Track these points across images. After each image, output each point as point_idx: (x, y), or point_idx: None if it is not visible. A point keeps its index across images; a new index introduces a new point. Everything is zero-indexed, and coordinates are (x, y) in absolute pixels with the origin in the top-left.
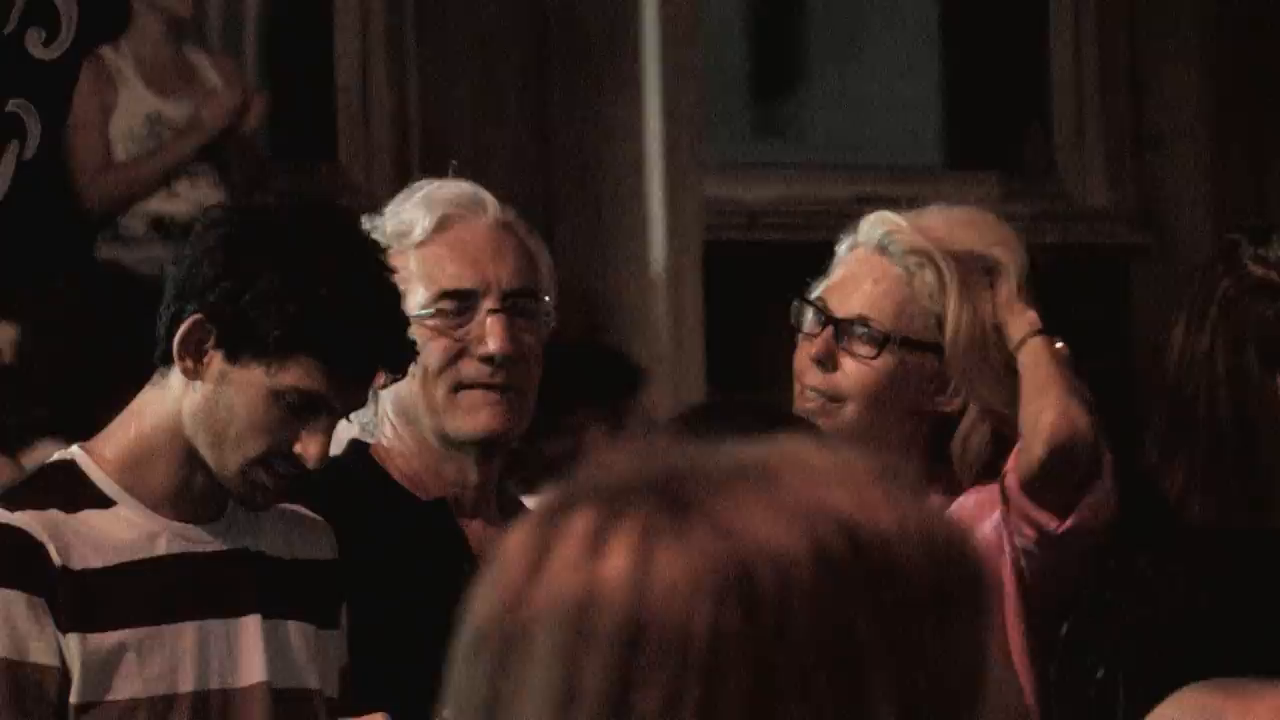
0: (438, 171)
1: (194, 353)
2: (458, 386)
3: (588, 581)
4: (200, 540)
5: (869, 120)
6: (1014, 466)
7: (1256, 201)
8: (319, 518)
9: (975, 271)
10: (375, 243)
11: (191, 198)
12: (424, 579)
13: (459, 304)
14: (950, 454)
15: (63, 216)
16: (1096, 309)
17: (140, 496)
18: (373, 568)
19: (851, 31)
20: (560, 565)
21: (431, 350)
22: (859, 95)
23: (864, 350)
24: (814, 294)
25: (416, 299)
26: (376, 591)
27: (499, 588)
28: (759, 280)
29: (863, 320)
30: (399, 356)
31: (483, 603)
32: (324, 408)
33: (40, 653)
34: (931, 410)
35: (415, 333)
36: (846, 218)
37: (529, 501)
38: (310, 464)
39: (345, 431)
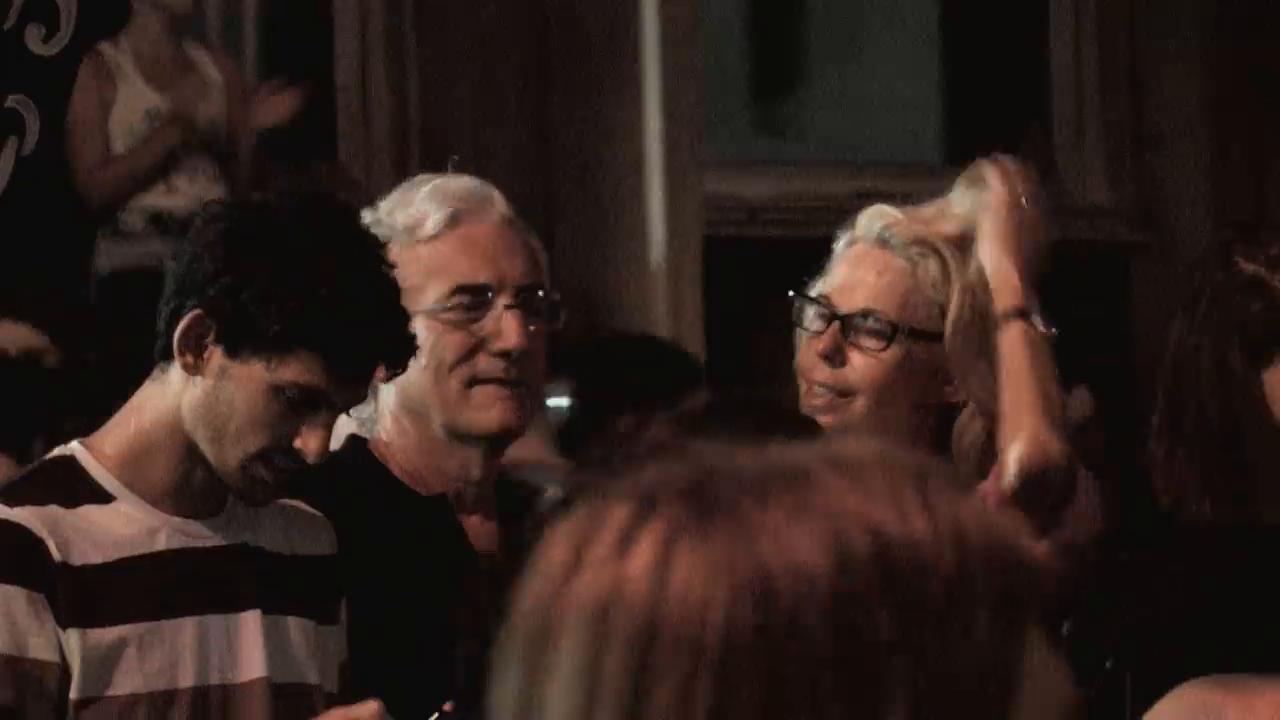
0: (437, 170)
1: (194, 348)
2: (472, 381)
3: (614, 579)
4: (200, 535)
5: (869, 120)
6: (992, 489)
7: (1256, 201)
8: (318, 513)
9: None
10: (375, 237)
11: (190, 193)
12: (424, 574)
13: (474, 299)
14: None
15: (62, 213)
16: (1096, 306)
17: (140, 492)
18: (372, 563)
19: (851, 31)
20: (592, 562)
21: (446, 345)
22: (859, 95)
23: (872, 343)
24: (815, 292)
25: (430, 293)
26: (376, 587)
27: (539, 584)
28: (758, 276)
29: (869, 313)
30: (399, 351)
31: (524, 599)
32: (324, 403)
33: (40, 648)
34: (938, 401)
35: (428, 327)
36: (846, 213)
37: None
38: (310, 459)
39: (343, 426)
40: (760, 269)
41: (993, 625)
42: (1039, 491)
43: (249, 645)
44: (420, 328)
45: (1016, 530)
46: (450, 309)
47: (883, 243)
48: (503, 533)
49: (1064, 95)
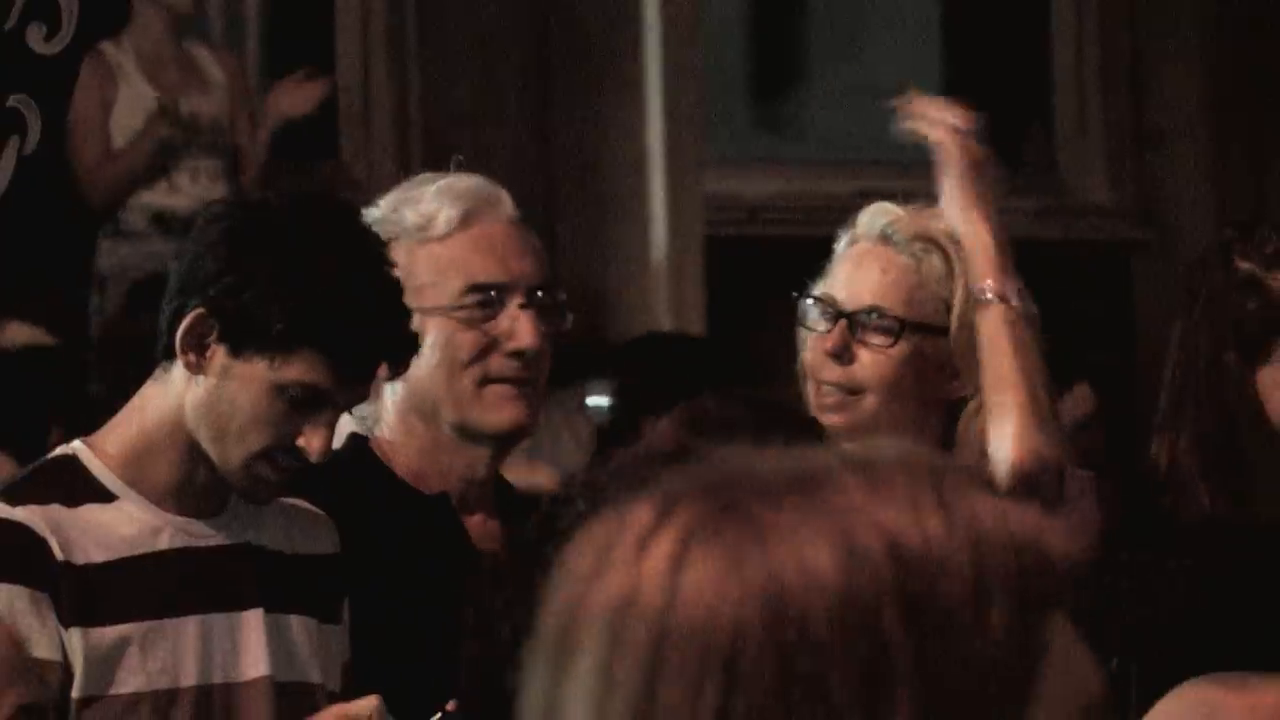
0: (439, 169)
1: (197, 347)
2: (484, 380)
3: (631, 580)
4: (202, 535)
5: (870, 118)
6: None
7: (1257, 199)
8: (321, 512)
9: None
10: (377, 236)
11: (192, 193)
12: (426, 573)
13: (487, 298)
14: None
15: (64, 212)
16: (1098, 305)
17: (142, 491)
18: (374, 562)
19: (852, 29)
20: (612, 564)
21: (460, 344)
22: (859, 93)
23: (880, 340)
24: (818, 291)
25: (442, 292)
26: (378, 586)
27: (564, 588)
28: (760, 275)
29: (876, 310)
30: (401, 350)
31: (549, 603)
32: (327, 402)
33: (42, 648)
34: (945, 396)
35: (440, 325)
36: (847, 213)
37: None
38: (313, 458)
39: (344, 425)
40: (761, 268)
41: (1009, 620)
42: (1030, 493)
43: (252, 644)
44: (431, 326)
45: (1038, 523)
46: (463, 308)
47: (885, 240)
48: (505, 532)
49: (1065, 93)
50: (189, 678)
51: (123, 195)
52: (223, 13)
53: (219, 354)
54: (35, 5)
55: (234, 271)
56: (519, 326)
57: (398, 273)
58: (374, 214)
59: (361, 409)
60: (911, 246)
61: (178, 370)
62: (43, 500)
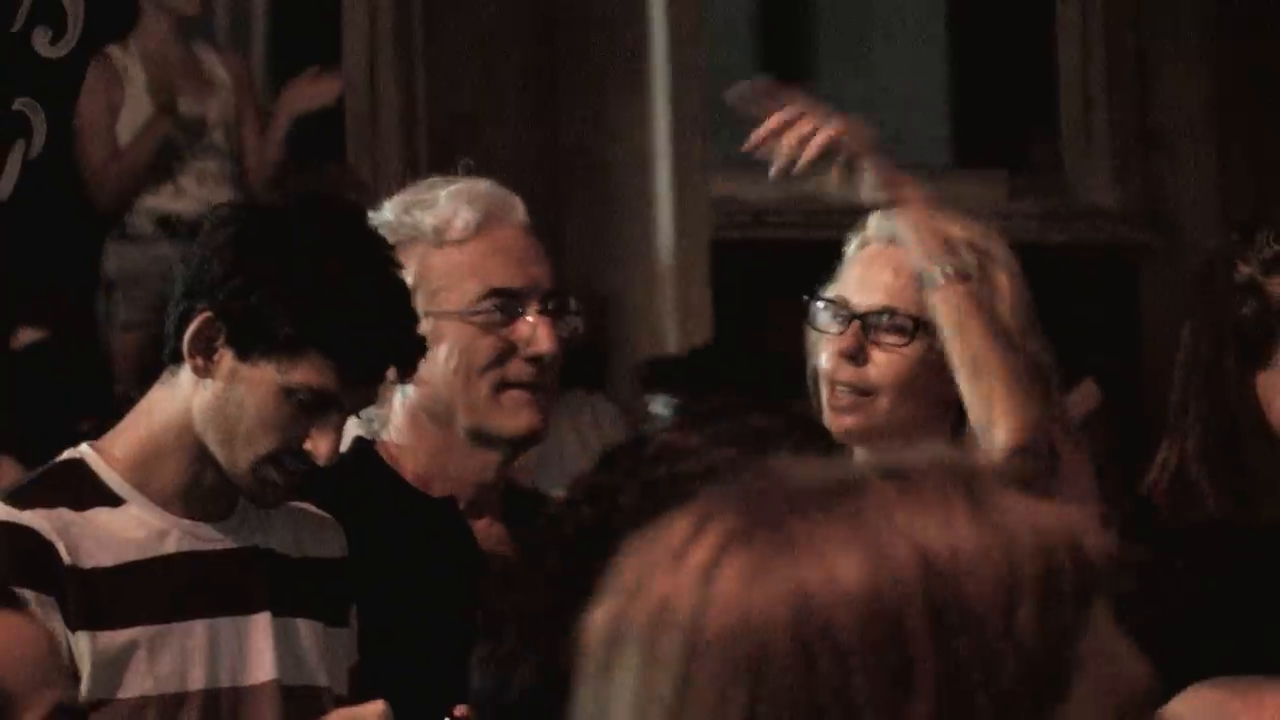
0: (445, 171)
1: (204, 350)
2: (501, 385)
3: (667, 589)
4: (210, 538)
5: (876, 121)
6: None
7: (1260, 201)
8: (328, 516)
9: (989, 253)
10: (384, 239)
11: (199, 196)
12: (434, 577)
13: (507, 303)
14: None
15: (70, 214)
16: (1103, 308)
17: (150, 494)
18: (382, 565)
19: (858, 32)
20: (653, 574)
21: (478, 348)
22: (865, 96)
23: (894, 339)
24: (829, 294)
25: (460, 295)
26: (386, 589)
27: (610, 599)
28: (765, 278)
29: (889, 310)
30: (409, 353)
31: (596, 615)
32: (335, 405)
33: None
34: (958, 396)
35: (457, 329)
36: (853, 215)
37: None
38: (321, 461)
39: (349, 429)
40: (766, 271)
41: (1039, 622)
42: (1028, 468)
43: (259, 648)
44: (447, 330)
45: (1071, 519)
46: (481, 312)
47: (896, 242)
48: (512, 535)
49: (1071, 95)
50: (196, 681)
51: (128, 194)
52: (229, 14)
53: (226, 357)
54: (41, 9)
55: (241, 275)
56: (538, 332)
57: (406, 276)
58: (383, 217)
59: (367, 412)
60: None
61: (185, 374)
62: (50, 504)
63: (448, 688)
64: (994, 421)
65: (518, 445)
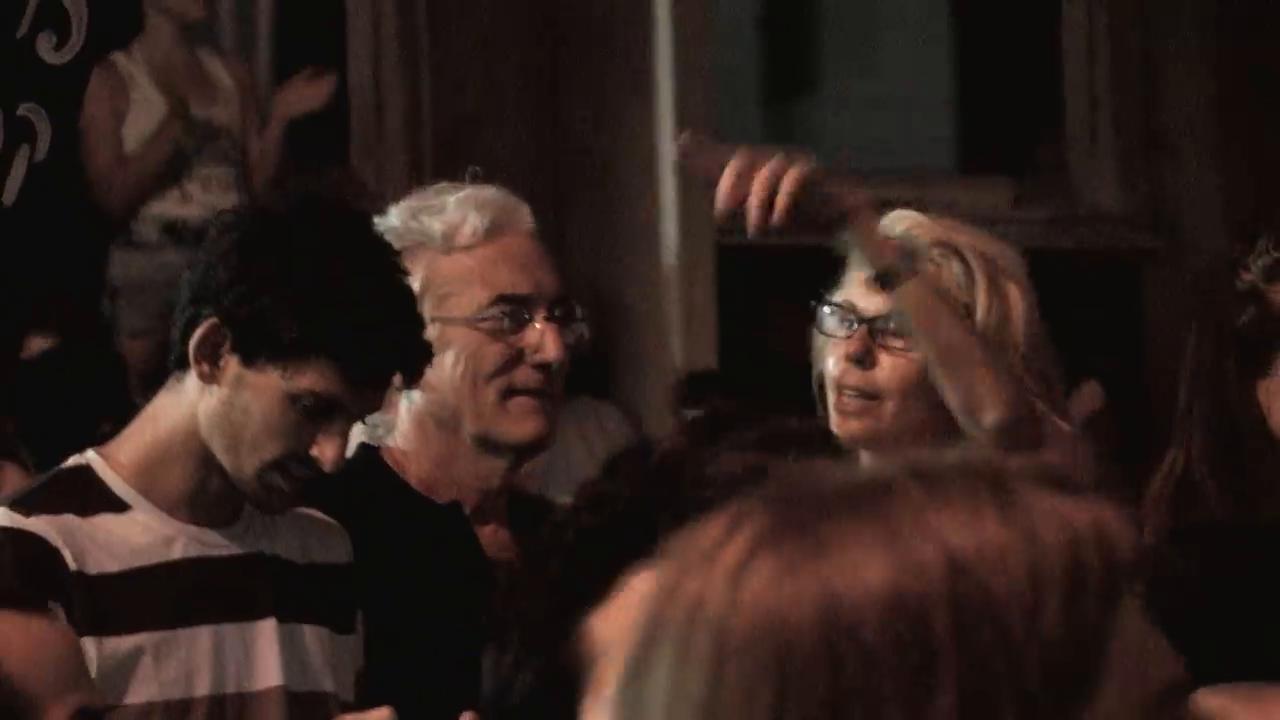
0: (450, 173)
1: (210, 357)
2: (509, 391)
3: (698, 590)
4: (216, 544)
5: (881, 124)
6: None
7: (1268, 207)
8: (334, 522)
9: (997, 262)
10: (389, 245)
11: (204, 202)
12: (439, 583)
13: (515, 309)
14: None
15: (75, 220)
16: (1108, 312)
17: (156, 500)
18: (388, 571)
19: (864, 35)
20: (687, 576)
21: (486, 355)
22: (871, 99)
23: (901, 343)
24: (836, 299)
25: (468, 301)
26: (392, 595)
27: (651, 598)
28: (770, 281)
29: (895, 314)
30: (415, 359)
31: (640, 615)
32: (340, 411)
33: None
34: None
35: (464, 335)
36: None
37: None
38: (327, 467)
39: (353, 435)
40: (771, 275)
41: (1066, 620)
42: (1015, 445)
43: (265, 654)
44: (454, 336)
45: (1099, 515)
46: (488, 318)
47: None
48: (518, 542)
49: (1076, 99)
50: (202, 687)
51: (138, 200)
52: (234, 18)
53: (232, 364)
54: (45, 14)
55: (246, 281)
56: (545, 339)
57: (413, 281)
58: (390, 222)
59: (372, 418)
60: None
61: (191, 380)
62: (56, 510)
63: (453, 694)
64: (979, 405)
65: (524, 452)
